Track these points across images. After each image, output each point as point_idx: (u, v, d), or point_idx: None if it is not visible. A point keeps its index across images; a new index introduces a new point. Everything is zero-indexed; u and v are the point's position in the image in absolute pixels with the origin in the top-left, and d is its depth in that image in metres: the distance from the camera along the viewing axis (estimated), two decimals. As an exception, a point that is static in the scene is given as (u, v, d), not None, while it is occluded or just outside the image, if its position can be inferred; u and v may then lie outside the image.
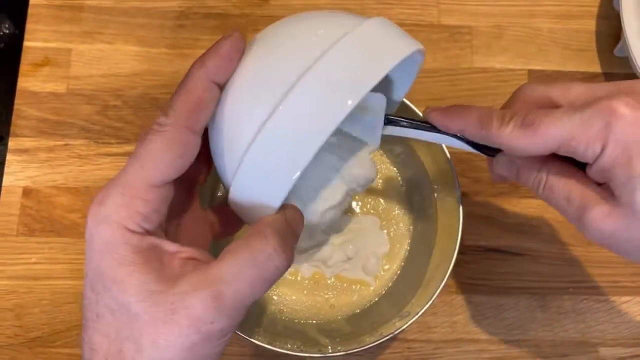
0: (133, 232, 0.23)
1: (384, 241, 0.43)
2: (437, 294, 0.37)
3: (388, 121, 0.33)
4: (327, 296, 0.42)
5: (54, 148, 0.46)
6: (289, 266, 0.24)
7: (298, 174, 0.24)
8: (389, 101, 0.34)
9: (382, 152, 0.45)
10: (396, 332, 0.36)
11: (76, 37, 0.49)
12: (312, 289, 0.42)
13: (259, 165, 0.24)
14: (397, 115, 0.33)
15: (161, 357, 0.22)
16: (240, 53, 0.25)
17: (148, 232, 0.23)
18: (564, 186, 0.28)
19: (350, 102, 0.23)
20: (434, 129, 0.32)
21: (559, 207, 0.29)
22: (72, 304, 0.43)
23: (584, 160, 0.27)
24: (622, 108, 0.25)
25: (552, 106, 0.29)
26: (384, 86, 0.34)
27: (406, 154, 0.44)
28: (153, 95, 0.48)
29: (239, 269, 0.23)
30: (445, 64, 0.51)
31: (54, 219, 0.44)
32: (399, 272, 0.43)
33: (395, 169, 0.45)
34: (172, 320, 0.22)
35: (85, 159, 0.46)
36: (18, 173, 0.45)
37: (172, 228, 0.27)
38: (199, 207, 0.30)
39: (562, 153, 0.27)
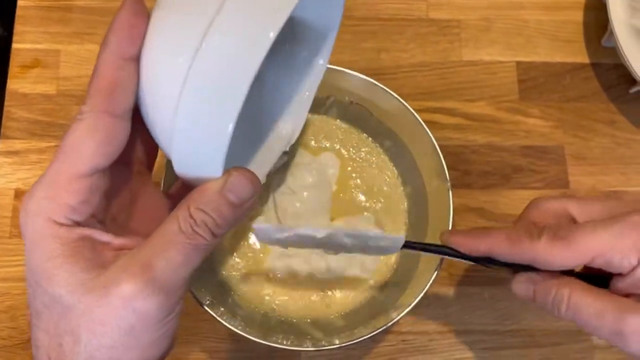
0: (60, 224, 0.22)
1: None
2: (428, 286, 0.37)
3: (403, 245, 0.33)
4: (322, 295, 0.42)
5: (45, 149, 0.46)
6: (217, 236, 0.24)
7: (231, 126, 0.22)
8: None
9: (375, 144, 0.45)
10: (389, 324, 0.37)
11: (65, 38, 0.49)
12: (307, 289, 0.42)
13: (190, 127, 0.23)
14: (409, 241, 0.33)
15: (99, 344, 0.22)
16: (142, 17, 0.23)
17: (78, 223, 0.23)
18: (592, 300, 0.27)
19: (272, 34, 0.21)
20: (451, 250, 0.32)
21: (588, 324, 0.28)
22: (66, 304, 0.43)
23: (616, 271, 0.27)
24: None
25: (569, 220, 0.30)
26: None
27: (396, 147, 0.44)
28: (143, 95, 0.48)
29: (166, 239, 0.23)
30: (434, 57, 0.51)
31: (46, 220, 0.44)
32: (395, 267, 0.43)
33: (390, 162, 0.45)
34: (105, 304, 0.21)
35: (76, 159, 0.46)
36: (9, 175, 0.45)
37: (122, 216, 0.26)
38: (156, 191, 0.28)
39: (595, 265, 0.28)
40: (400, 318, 0.37)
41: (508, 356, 0.44)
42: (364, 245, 0.33)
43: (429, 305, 0.45)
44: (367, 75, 0.42)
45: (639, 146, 0.49)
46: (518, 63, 0.51)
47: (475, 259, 0.32)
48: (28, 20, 0.49)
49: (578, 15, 0.53)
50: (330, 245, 0.33)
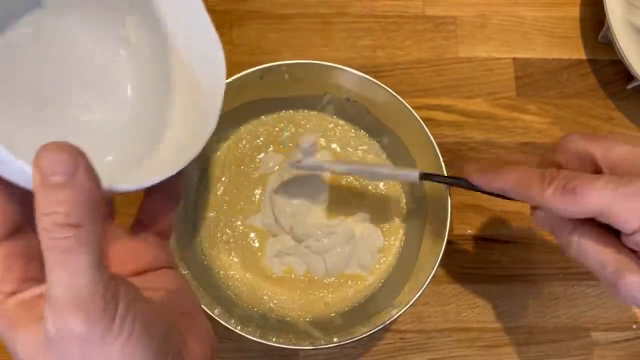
0: None
1: (378, 235, 0.43)
2: (426, 284, 0.37)
3: (422, 176, 0.36)
4: (321, 294, 0.42)
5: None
6: (81, 225, 0.19)
7: None
8: None
9: (373, 141, 0.45)
10: (387, 322, 0.36)
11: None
12: (305, 288, 0.42)
13: None
14: (429, 172, 0.37)
15: None
16: None
17: (12, 293, 0.22)
18: (598, 251, 0.29)
19: None
20: (468, 183, 0.34)
21: (592, 269, 0.29)
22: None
23: (621, 230, 0.28)
24: None
25: (593, 164, 0.30)
26: None
27: (393, 144, 0.44)
28: (138, 94, 0.47)
29: (47, 261, 0.20)
30: (430, 54, 0.51)
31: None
32: (394, 264, 0.43)
33: (388, 160, 0.45)
34: (51, 355, 0.20)
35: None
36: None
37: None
38: None
39: (600, 220, 0.28)
40: (399, 316, 0.37)
41: (507, 353, 0.44)
42: (383, 176, 0.40)
43: (427, 303, 0.45)
44: (363, 72, 0.41)
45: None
46: (514, 59, 0.51)
47: (492, 193, 0.33)
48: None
49: (574, 11, 0.52)
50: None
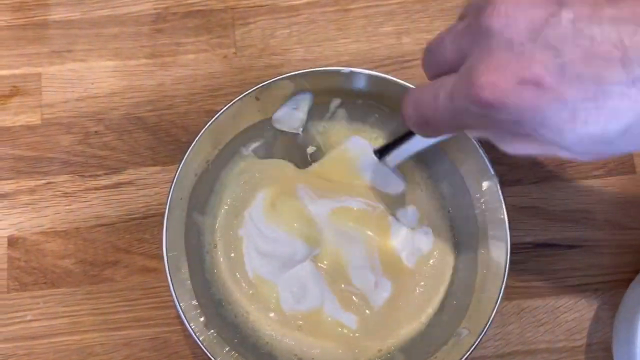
0: None
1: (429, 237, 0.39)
2: (495, 309, 0.33)
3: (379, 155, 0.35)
4: (365, 343, 0.36)
5: (35, 188, 0.41)
6: None
7: None
8: None
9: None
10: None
11: (44, 59, 0.43)
12: (346, 337, 0.36)
13: None
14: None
15: None
16: None
17: None
18: None
19: None
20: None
21: None
22: (78, 362, 0.38)
23: None
24: None
25: None
26: None
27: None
28: (137, 115, 0.42)
29: None
30: (464, 35, 0.44)
31: (45, 269, 0.40)
32: (450, 284, 0.38)
33: (421, 166, 0.39)
34: None
35: (71, 196, 0.41)
36: (0, 222, 0.40)
37: None
38: None
39: None
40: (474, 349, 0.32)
41: (581, 375, 0.39)
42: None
43: (485, 325, 0.39)
44: (389, 63, 0.36)
45: None
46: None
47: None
48: (1, 42, 0.44)
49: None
50: None
